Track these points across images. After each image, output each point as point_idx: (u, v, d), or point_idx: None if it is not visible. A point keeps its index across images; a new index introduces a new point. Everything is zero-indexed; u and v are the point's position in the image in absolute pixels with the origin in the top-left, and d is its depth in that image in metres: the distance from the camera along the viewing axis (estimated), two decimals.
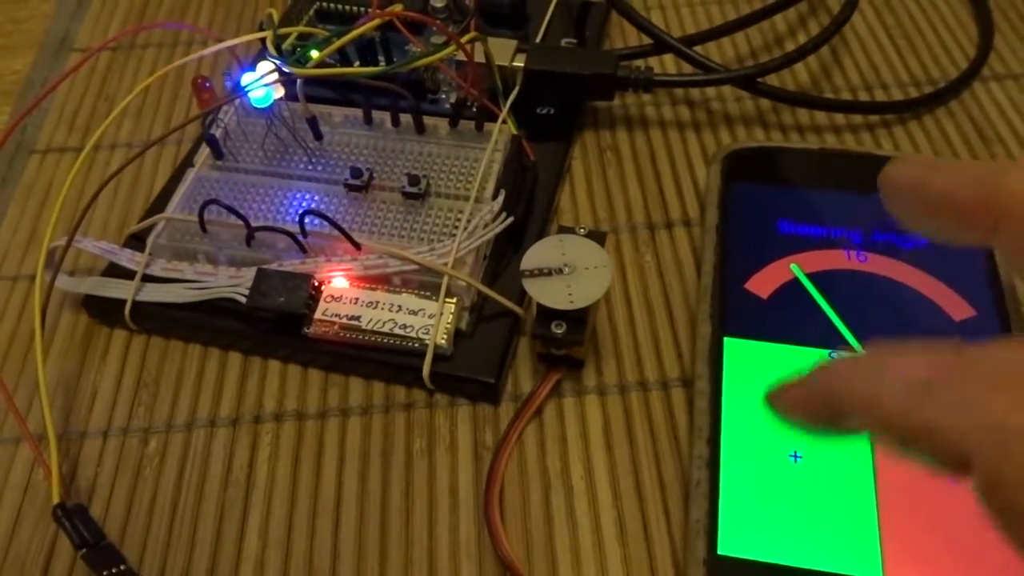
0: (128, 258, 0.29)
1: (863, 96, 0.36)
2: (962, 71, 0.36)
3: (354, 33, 0.30)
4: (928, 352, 0.15)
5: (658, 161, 0.34)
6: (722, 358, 0.26)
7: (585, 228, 0.26)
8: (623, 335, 0.29)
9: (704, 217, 0.30)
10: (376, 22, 0.30)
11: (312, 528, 0.25)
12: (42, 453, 0.25)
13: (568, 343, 0.25)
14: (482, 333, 0.28)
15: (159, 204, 0.31)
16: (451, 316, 0.27)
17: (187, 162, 0.32)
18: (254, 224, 0.28)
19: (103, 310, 0.29)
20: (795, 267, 0.28)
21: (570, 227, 0.26)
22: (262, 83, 0.30)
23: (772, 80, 0.35)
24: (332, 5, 0.37)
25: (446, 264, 0.27)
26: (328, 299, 0.27)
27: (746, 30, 0.38)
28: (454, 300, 0.27)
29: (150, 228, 0.29)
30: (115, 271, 0.29)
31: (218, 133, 0.31)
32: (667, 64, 0.37)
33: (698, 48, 0.35)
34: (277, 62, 0.30)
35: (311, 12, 0.37)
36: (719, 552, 0.22)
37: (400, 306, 0.27)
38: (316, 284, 0.27)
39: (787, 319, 0.27)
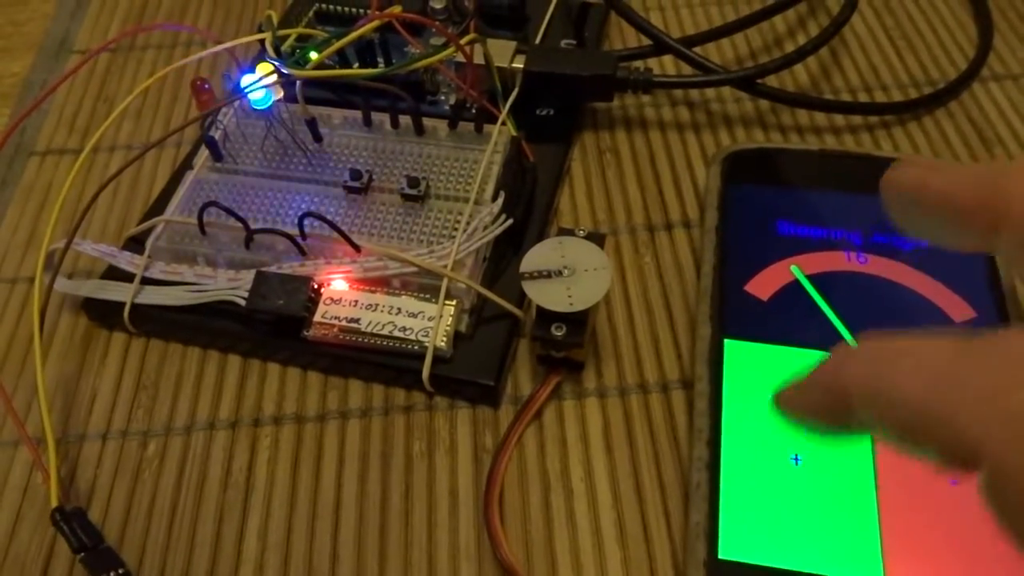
0: (127, 260, 0.29)
1: (863, 97, 0.36)
2: (961, 72, 0.36)
3: (353, 35, 0.30)
4: (935, 342, 0.15)
5: (658, 162, 0.34)
6: (722, 360, 0.26)
7: (585, 230, 0.26)
8: (623, 337, 0.29)
9: (704, 218, 0.30)
10: (375, 24, 0.30)
11: (311, 530, 0.25)
12: (41, 456, 0.25)
13: (568, 345, 0.25)
14: (482, 335, 0.28)
15: (158, 206, 0.31)
16: (450, 318, 0.27)
17: (186, 164, 0.32)
18: (253, 226, 0.28)
19: (102, 313, 0.29)
20: (795, 269, 0.28)
21: (570, 229, 0.26)
22: (261, 85, 0.30)
23: (772, 81, 0.35)
24: (331, 7, 0.37)
25: (445, 266, 0.27)
26: (327, 301, 0.27)
27: (745, 31, 0.38)
28: (454, 302, 0.27)
29: (149, 230, 0.29)
30: (114, 273, 0.29)
31: (217, 135, 0.31)
32: (666, 65, 0.37)
33: (697, 49, 0.35)
34: (276, 64, 0.30)
35: (310, 14, 0.37)
36: (719, 555, 0.22)
37: (399, 308, 0.27)
38: (315, 286, 0.27)
39: (787, 321, 0.26)
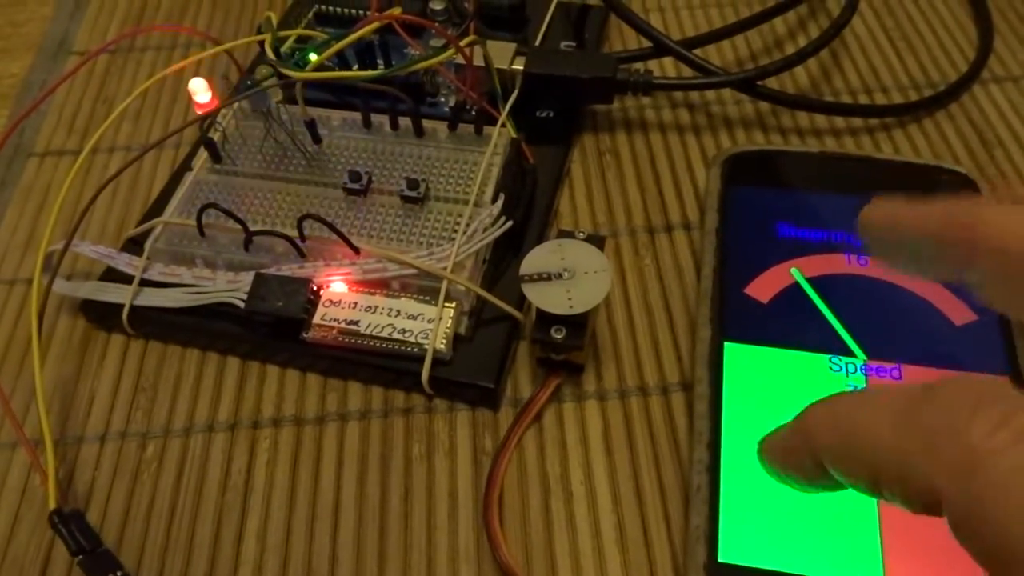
0: (126, 262, 0.29)
1: (863, 99, 0.36)
2: (962, 74, 0.36)
3: (353, 36, 0.29)
4: (887, 394, 0.16)
5: (658, 164, 0.34)
6: (722, 362, 0.26)
7: (584, 232, 0.26)
8: (623, 339, 0.29)
9: (704, 220, 0.30)
10: (375, 25, 0.30)
11: (310, 533, 0.25)
12: (39, 458, 0.25)
13: (568, 348, 0.25)
14: (481, 338, 0.27)
15: (157, 208, 0.31)
16: (450, 321, 0.27)
17: (185, 166, 0.32)
18: (252, 228, 0.28)
19: (101, 314, 0.29)
20: (795, 271, 0.28)
21: (569, 231, 0.26)
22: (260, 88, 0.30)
23: (772, 83, 0.35)
24: (331, 8, 0.37)
25: (445, 268, 0.27)
26: (327, 303, 0.27)
27: (746, 33, 0.38)
28: (453, 304, 0.27)
29: (148, 232, 0.29)
30: (113, 275, 0.29)
31: (216, 137, 0.31)
32: (666, 67, 0.37)
33: (697, 51, 0.34)
34: (275, 65, 0.30)
35: (310, 15, 0.37)
36: (719, 559, 0.22)
37: (399, 310, 0.27)
38: (315, 288, 0.27)
39: (787, 323, 0.26)
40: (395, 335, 0.27)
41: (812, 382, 0.25)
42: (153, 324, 0.29)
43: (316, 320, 0.27)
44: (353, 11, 0.37)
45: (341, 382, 0.28)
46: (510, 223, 0.28)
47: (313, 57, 0.30)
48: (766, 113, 0.35)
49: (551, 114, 0.34)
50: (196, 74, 0.36)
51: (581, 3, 0.39)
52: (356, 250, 0.28)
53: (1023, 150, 0.34)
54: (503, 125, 0.31)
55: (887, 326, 0.26)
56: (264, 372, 0.28)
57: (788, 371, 0.25)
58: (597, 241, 0.26)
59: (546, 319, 0.25)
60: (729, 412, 0.25)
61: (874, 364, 0.25)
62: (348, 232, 0.28)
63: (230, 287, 0.28)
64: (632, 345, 0.28)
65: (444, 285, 0.27)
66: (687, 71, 0.35)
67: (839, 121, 0.35)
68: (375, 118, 0.31)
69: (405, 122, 0.31)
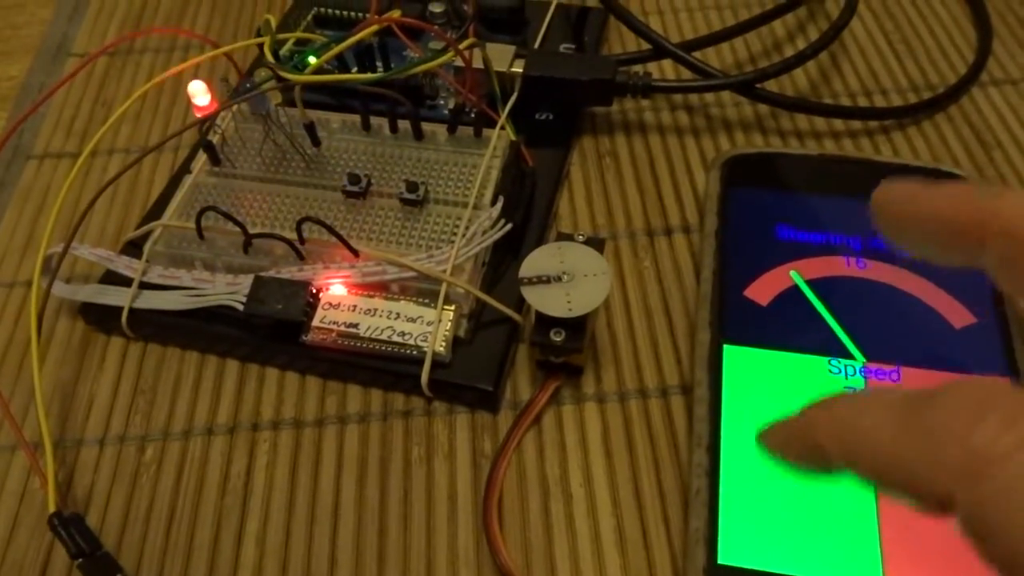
0: (125, 265, 0.29)
1: (862, 102, 0.36)
2: (961, 76, 0.36)
3: (352, 39, 0.30)
4: (894, 397, 0.16)
5: (657, 167, 0.34)
6: (721, 365, 0.26)
7: (584, 235, 0.26)
8: (622, 342, 0.29)
9: (703, 223, 0.30)
10: (374, 28, 0.30)
11: (310, 536, 0.25)
12: (38, 461, 0.25)
13: (567, 351, 0.25)
14: (481, 340, 0.27)
15: (156, 211, 0.31)
16: (449, 323, 0.27)
17: (184, 168, 0.32)
18: (251, 231, 0.28)
19: (100, 317, 0.29)
20: (795, 274, 0.28)
21: (569, 234, 0.26)
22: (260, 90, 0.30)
23: (771, 86, 0.35)
24: (330, 11, 0.37)
25: (444, 271, 0.27)
26: (326, 306, 0.27)
27: (745, 35, 0.38)
28: (452, 307, 0.27)
29: (147, 235, 0.29)
30: (112, 278, 0.29)
31: (215, 139, 0.31)
32: (666, 70, 0.37)
33: (697, 54, 0.35)
34: (274, 68, 0.30)
35: (309, 18, 0.37)
36: (719, 561, 0.22)
37: (398, 313, 0.27)
38: (314, 291, 0.27)
39: (787, 326, 0.26)
40: (394, 338, 0.27)
41: (811, 384, 0.25)
42: (152, 327, 0.29)
43: (315, 323, 0.27)
44: (352, 14, 0.37)
45: (340, 385, 0.28)
46: (509, 226, 0.28)
47: (312, 60, 0.30)
48: (765, 115, 0.35)
49: (550, 116, 0.34)
50: (195, 77, 0.36)
51: (580, 5, 0.39)
52: (355, 253, 0.28)
53: (1022, 152, 0.34)
54: (502, 128, 0.31)
55: (886, 328, 0.26)
56: (263, 375, 0.28)
57: (787, 373, 0.25)
58: (596, 244, 0.26)
59: (545, 322, 0.25)
60: (728, 414, 0.25)
61: (873, 366, 0.25)
62: (347, 235, 0.28)
63: (229, 290, 0.28)
64: (631, 348, 0.28)
65: (443, 288, 0.27)
66: (686, 74, 0.35)
67: (838, 123, 0.35)
68: (374, 121, 0.31)
69: (404, 125, 0.31)
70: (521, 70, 0.33)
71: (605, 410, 0.27)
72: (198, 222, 0.28)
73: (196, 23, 0.41)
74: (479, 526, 0.25)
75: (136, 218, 0.32)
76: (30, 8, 0.43)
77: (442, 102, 0.34)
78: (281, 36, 0.33)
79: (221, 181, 0.31)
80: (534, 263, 0.25)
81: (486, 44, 0.32)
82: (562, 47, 0.37)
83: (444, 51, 0.30)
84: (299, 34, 0.35)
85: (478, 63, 0.31)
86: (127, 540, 0.25)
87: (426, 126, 0.31)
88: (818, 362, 0.26)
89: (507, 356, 0.27)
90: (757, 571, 0.22)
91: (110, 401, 0.28)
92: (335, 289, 0.28)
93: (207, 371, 0.28)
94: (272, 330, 0.27)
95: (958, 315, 0.26)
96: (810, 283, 0.27)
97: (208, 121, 0.31)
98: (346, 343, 0.27)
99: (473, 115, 0.31)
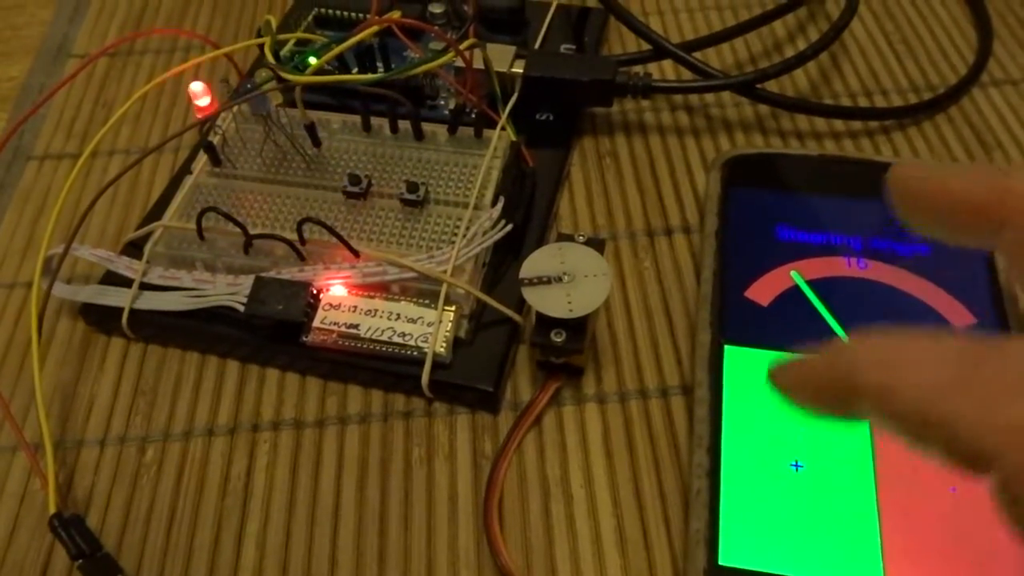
0: (126, 266, 0.29)
1: (862, 102, 0.36)
2: (961, 77, 0.36)
3: (353, 39, 0.30)
4: (944, 344, 0.15)
5: (657, 167, 0.34)
6: (722, 366, 0.26)
7: (584, 235, 0.26)
8: (623, 343, 0.28)
9: (703, 224, 0.30)
10: (375, 28, 0.30)
11: (310, 536, 0.25)
12: (38, 462, 0.25)
13: (567, 351, 0.25)
14: (481, 341, 0.27)
15: (157, 211, 0.31)
16: (450, 324, 0.27)
17: (185, 169, 0.32)
18: (252, 231, 0.28)
19: (100, 318, 0.29)
20: (795, 274, 0.28)
21: (569, 234, 0.26)
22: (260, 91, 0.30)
23: (771, 86, 0.35)
24: (331, 11, 0.37)
25: (445, 272, 0.27)
26: (326, 307, 0.27)
27: (745, 36, 0.38)
28: (453, 308, 0.27)
29: (148, 235, 0.29)
30: (112, 279, 0.29)
31: (216, 140, 0.31)
32: (666, 70, 0.37)
33: (697, 54, 0.35)
34: (275, 69, 0.30)
35: (309, 18, 0.37)
36: (720, 562, 0.22)
37: (399, 314, 0.27)
38: (314, 292, 0.27)
39: (787, 326, 0.26)
40: (395, 338, 0.27)
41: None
42: (153, 327, 0.29)
43: (316, 323, 0.27)
44: (353, 14, 0.37)
45: (341, 385, 0.28)
46: (510, 226, 0.28)
47: (313, 60, 0.30)
48: (766, 116, 0.35)
49: (551, 117, 0.34)
50: (196, 77, 0.36)
51: (581, 6, 0.39)
52: (356, 253, 0.28)
53: (1022, 153, 0.34)
54: (503, 128, 0.31)
55: (886, 329, 0.26)
56: (264, 375, 0.28)
57: None
58: (597, 244, 0.26)
59: (546, 322, 0.25)
60: (729, 415, 0.25)
61: None
62: (348, 235, 0.28)
63: (230, 291, 0.28)
64: (632, 348, 0.28)
65: (444, 288, 0.27)
66: (687, 74, 0.35)
67: (838, 124, 0.35)
68: (375, 121, 0.31)
69: (405, 125, 0.31)
70: (521, 70, 0.33)
71: (606, 411, 0.27)
72: (199, 223, 0.28)
73: (197, 24, 0.41)
74: (480, 527, 0.25)
75: (136, 219, 0.32)
76: (30, 9, 0.43)
77: (442, 103, 0.34)
78: (282, 37, 0.33)
79: (221, 182, 0.31)
80: (534, 264, 0.25)
81: (486, 44, 0.32)
82: (562, 48, 0.37)
83: (444, 52, 0.30)
84: (300, 35, 0.35)
85: (478, 64, 0.31)
86: (127, 541, 0.25)
87: (426, 126, 0.31)
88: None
89: (507, 357, 0.27)
90: (758, 572, 0.22)
91: (111, 402, 0.28)
92: (336, 290, 0.28)
93: (208, 372, 0.28)
94: (273, 331, 0.27)
95: (958, 315, 0.26)
96: (811, 283, 0.27)
97: (208, 122, 0.31)
98: (347, 344, 0.27)
99: (473, 115, 0.31)
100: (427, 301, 0.27)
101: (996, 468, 0.13)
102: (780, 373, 0.17)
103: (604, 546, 0.24)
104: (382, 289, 0.28)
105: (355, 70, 0.33)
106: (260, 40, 0.32)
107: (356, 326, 0.27)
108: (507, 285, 0.29)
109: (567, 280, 0.25)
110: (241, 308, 0.27)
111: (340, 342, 0.27)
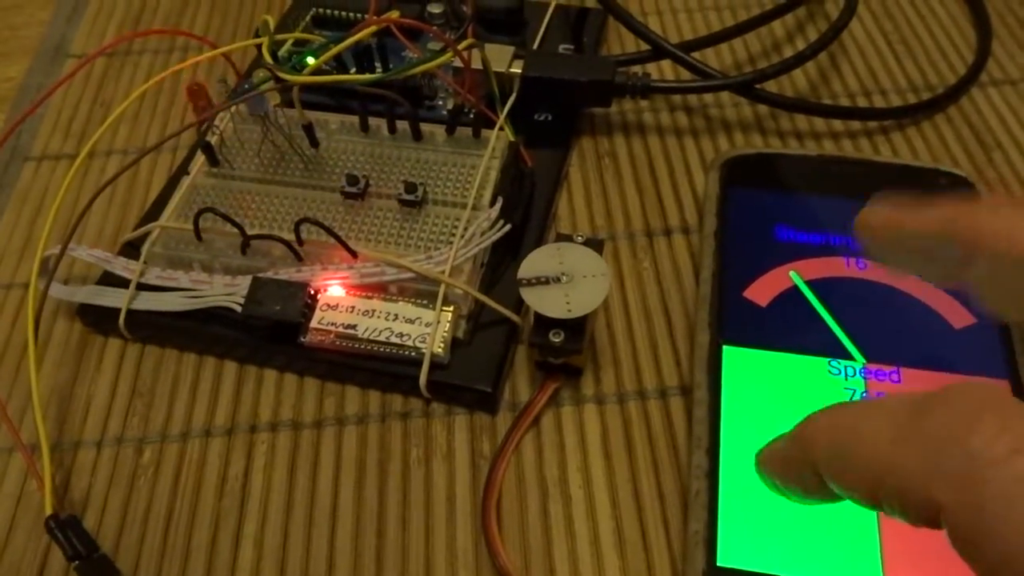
0: (123, 266, 0.29)
1: (861, 102, 0.36)
2: (960, 77, 0.36)
3: (351, 40, 0.29)
4: (892, 402, 0.16)
5: (656, 168, 0.34)
6: (721, 366, 0.26)
7: (583, 236, 0.26)
8: (621, 343, 0.28)
9: (702, 224, 0.30)
10: (373, 28, 0.30)
11: (308, 538, 0.25)
12: (35, 463, 0.25)
13: (566, 352, 0.25)
14: (479, 341, 0.27)
15: (154, 212, 0.31)
16: (448, 324, 0.27)
17: (182, 169, 0.32)
18: (249, 232, 0.28)
19: (97, 318, 0.29)
20: (794, 274, 0.28)
21: (568, 235, 0.26)
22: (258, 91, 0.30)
23: (770, 86, 0.35)
24: (329, 11, 0.37)
25: (443, 272, 0.27)
26: (324, 307, 0.27)
27: (744, 36, 0.38)
28: (451, 308, 0.27)
29: (145, 236, 0.29)
30: (110, 279, 0.29)
31: (214, 140, 0.31)
32: (665, 70, 0.37)
33: (696, 54, 0.34)
34: (273, 69, 0.30)
35: (308, 18, 0.37)
36: (718, 563, 0.22)
37: (397, 314, 0.27)
38: (312, 292, 0.27)
39: (786, 327, 0.26)
40: (393, 339, 0.27)
41: (811, 385, 0.25)
42: (150, 328, 0.29)
43: (313, 324, 0.27)
44: (351, 14, 0.37)
45: (338, 386, 0.28)
46: (508, 227, 0.28)
47: (311, 60, 0.30)
48: (764, 116, 0.35)
49: (549, 117, 0.34)
50: (194, 77, 0.36)
51: (579, 6, 0.39)
52: (354, 254, 0.27)
53: (1021, 153, 0.34)
54: (501, 128, 0.31)
55: (886, 329, 0.26)
56: (261, 376, 0.28)
57: (787, 374, 0.25)
58: (596, 245, 0.26)
59: (544, 323, 0.25)
60: (728, 416, 0.25)
61: (873, 367, 0.25)
62: (346, 236, 0.27)
63: (227, 291, 0.28)
64: (631, 349, 0.28)
65: (442, 289, 0.27)
66: (685, 74, 0.35)
67: (837, 124, 0.35)
68: (373, 121, 0.31)
69: (403, 125, 0.31)
70: (520, 71, 0.33)
71: (604, 411, 0.27)
72: (196, 223, 0.28)
73: (195, 24, 0.41)
74: (478, 528, 0.25)
75: (134, 219, 0.32)
76: (28, 9, 0.43)
77: (441, 103, 0.34)
78: (279, 37, 0.33)
79: (219, 182, 0.31)
80: (533, 264, 0.25)
81: (485, 45, 0.32)
82: (561, 48, 0.37)
83: (443, 52, 0.30)
84: (297, 35, 0.35)
85: (477, 64, 0.31)
86: (124, 542, 0.25)
87: (425, 127, 0.31)
88: (818, 363, 0.25)
89: (506, 357, 0.27)
90: (757, 573, 0.22)
91: (107, 403, 0.28)
92: (333, 290, 0.28)
93: (205, 372, 0.28)
94: (270, 331, 0.27)
95: (958, 315, 0.26)
96: (810, 284, 0.27)
97: (206, 122, 0.31)
98: (344, 344, 0.27)
99: (472, 116, 0.31)
100: (425, 301, 0.27)
101: (944, 515, 0.14)
102: (760, 453, 0.19)
103: (603, 547, 0.24)
104: (380, 289, 0.28)
105: (353, 70, 0.33)
106: (258, 40, 0.32)
107: (354, 326, 0.27)
108: (505, 285, 0.28)
109: (566, 280, 0.25)
110: (238, 309, 0.27)
111: (338, 343, 0.27)
